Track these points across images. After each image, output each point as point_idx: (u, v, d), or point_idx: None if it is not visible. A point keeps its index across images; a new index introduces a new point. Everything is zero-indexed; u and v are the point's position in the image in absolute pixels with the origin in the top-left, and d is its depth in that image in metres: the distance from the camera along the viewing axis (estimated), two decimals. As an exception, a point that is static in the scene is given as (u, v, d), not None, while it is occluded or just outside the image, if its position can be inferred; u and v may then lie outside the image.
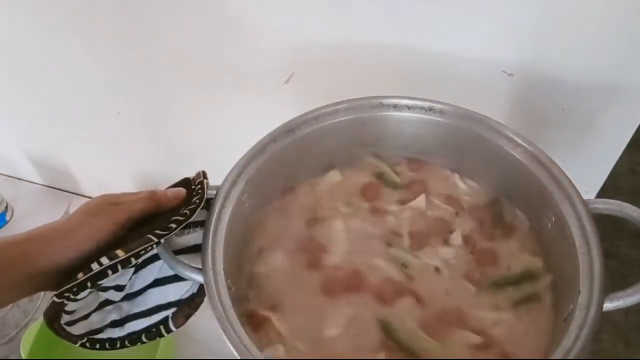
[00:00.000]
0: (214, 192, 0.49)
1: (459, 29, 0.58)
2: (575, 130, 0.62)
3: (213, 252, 0.45)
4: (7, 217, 1.12)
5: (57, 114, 0.96)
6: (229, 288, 0.44)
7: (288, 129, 0.53)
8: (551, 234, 0.49)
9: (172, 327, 0.48)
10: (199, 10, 0.67)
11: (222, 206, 0.48)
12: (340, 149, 0.57)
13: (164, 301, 0.49)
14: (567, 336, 0.40)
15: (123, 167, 1.04)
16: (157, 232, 0.43)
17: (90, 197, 1.14)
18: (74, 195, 1.16)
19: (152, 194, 0.47)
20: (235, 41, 0.69)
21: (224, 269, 0.45)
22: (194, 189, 0.48)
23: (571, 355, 0.39)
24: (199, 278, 0.44)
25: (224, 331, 0.41)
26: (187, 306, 0.49)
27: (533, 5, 0.53)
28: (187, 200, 0.48)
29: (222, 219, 0.48)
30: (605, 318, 0.40)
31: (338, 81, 0.66)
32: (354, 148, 0.57)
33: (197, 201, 0.46)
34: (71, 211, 0.49)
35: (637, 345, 1.00)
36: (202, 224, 0.47)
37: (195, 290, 0.50)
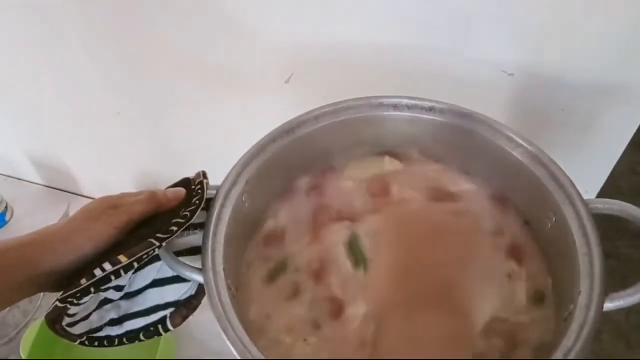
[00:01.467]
0: (214, 192, 0.49)
1: (459, 28, 0.58)
2: (575, 130, 0.62)
3: (213, 252, 0.45)
4: (7, 217, 1.12)
5: (57, 114, 0.96)
6: (229, 288, 0.44)
7: (288, 129, 0.53)
8: (551, 234, 0.49)
9: (169, 326, 0.48)
10: (199, 11, 0.67)
11: (222, 206, 0.48)
12: (340, 149, 0.57)
13: (162, 301, 0.49)
14: (567, 336, 0.40)
15: (123, 167, 1.04)
16: (159, 235, 0.43)
17: (90, 197, 1.14)
18: (74, 195, 1.16)
19: (152, 195, 0.47)
20: (235, 41, 0.69)
21: (223, 269, 0.45)
22: (193, 189, 0.48)
23: (571, 355, 0.39)
24: (199, 278, 0.44)
25: (224, 331, 0.41)
26: (185, 307, 0.49)
27: (533, 5, 0.53)
28: (186, 201, 0.48)
29: (222, 219, 0.48)
30: (605, 318, 0.40)
31: (338, 81, 0.66)
32: (354, 148, 0.57)
33: (197, 202, 0.46)
34: (71, 211, 0.50)
35: (638, 345, 1.00)
36: (202, 226, 0.47)
37: (193, 292, 0.50)
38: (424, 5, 0.56)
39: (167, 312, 0.49)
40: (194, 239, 0.49)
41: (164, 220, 0.45)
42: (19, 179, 1.21)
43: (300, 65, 0.68)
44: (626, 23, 0.52)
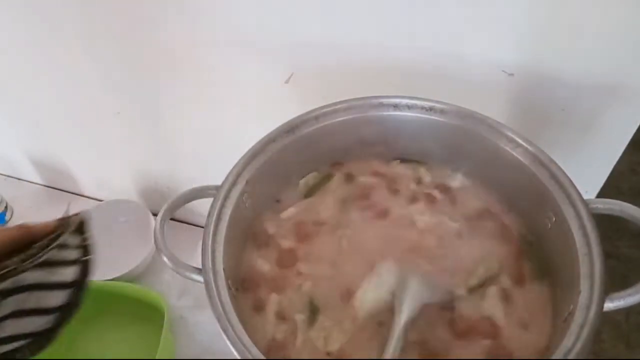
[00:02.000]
0: (214, 191, 0.49)
1: (459, 28, 0.58)
2: (575, 130, 0.62)
3: (213, 252, 0.46)
4: (7, 217, 1.12)
5: (57, 114, 0.96)
6: (229, 288, 0.44)
7: (288, 129, 0.53)
8: (551, 234, 0.49)
9: (25, 356, 0.48)
10: (198, 11, 0.67)
11: (222, 206, 0.48)
12: (340, 148, 0.57)
13: (20, 332, 0.49)
14: (568, 336, 0.40)
15: (123, 167, 1.04)
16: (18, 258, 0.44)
17: (90, 197, 1.14)
18: (74, 195, 1.16)
19: (23, 224, 0.47)
20: (234, 41, 0.69)
21: (223, 269, 0.45)
22: (63, 220, 0.49)
23: (571, 356, 0.39)
24: (199, 278, 0.45)
25: (224, 331, 0.41)
26: (42, 339, 0.49)
27: (533, 5, 0.53)
28: (57, 231, 0.48)
29: (222, 219, 0.48)
30: (606, 318, 0.40)
31: (338, 81, 0.66)
32: (354, 148, 0.57)
33: (58, 230, 0.47)
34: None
35: (638, 345, 1.00)
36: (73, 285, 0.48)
37: (51, 325, 0.50)
38: (424, 5, 0.56)
39: (24, 342, 0.48)
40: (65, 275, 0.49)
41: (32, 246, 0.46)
42: (19, 179, 1.21)
43: (300, 65, 0.68)
44: (626, 23, 0.52)
